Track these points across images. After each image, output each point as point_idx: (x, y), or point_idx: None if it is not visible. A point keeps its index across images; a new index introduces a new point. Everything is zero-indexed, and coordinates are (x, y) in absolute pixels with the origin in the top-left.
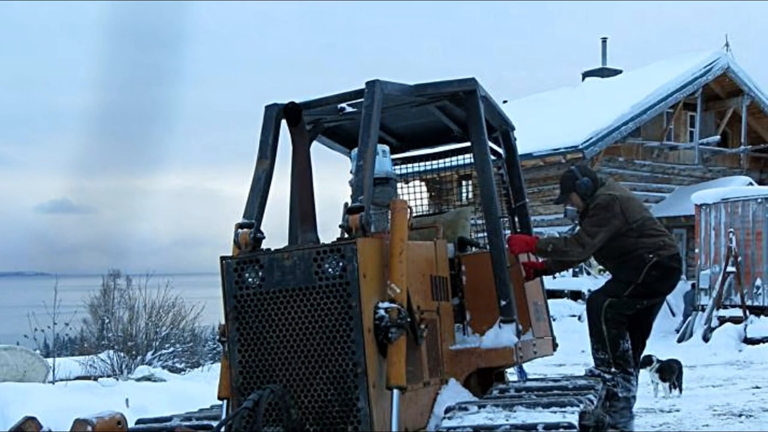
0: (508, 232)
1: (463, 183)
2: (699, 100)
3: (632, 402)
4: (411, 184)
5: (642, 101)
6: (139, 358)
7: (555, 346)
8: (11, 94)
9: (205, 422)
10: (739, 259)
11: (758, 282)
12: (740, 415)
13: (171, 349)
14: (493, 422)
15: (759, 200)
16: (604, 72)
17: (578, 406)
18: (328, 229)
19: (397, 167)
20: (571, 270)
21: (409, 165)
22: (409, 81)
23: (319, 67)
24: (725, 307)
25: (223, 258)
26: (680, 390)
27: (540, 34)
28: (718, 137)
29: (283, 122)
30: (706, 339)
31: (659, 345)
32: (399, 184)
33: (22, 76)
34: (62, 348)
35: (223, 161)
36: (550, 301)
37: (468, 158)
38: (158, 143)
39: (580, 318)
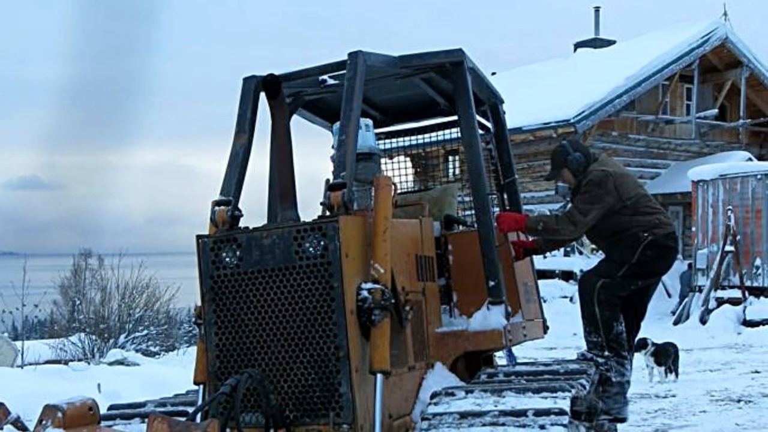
0: (496, 209)
1: (450, 158)
2: (696, 71)
3: (626, 387)
4: (395, 159)
5: (636, 73)
6: (111, 341)
7: (546, 328)
8: None
9: (181, 408)
10: (738, 237)
11: (758, 262)
12: (739, 401)
13: (145, 331)
14: (481, 408)
15: (758, 176)
16: (596, 42)
17: (570, 391)
18: (309, 206)
19: (381, 142)
20: (562, 249)
21: (394, 140)
22: (393, 52)
23: (300, 37)
24: (723, 288)
25: (199, 237)
26: (676, 374)
27: (530, 3)
28: (715, 111)
29: (262, 95)
30: (703, 321)
31: (654, 328)
32: (383, 160)
33: None
34: (31, 331)
35: (199, 136)
36: (540, 282)
37: (455, 133)
38: (132, 117)
39: (571, 299)
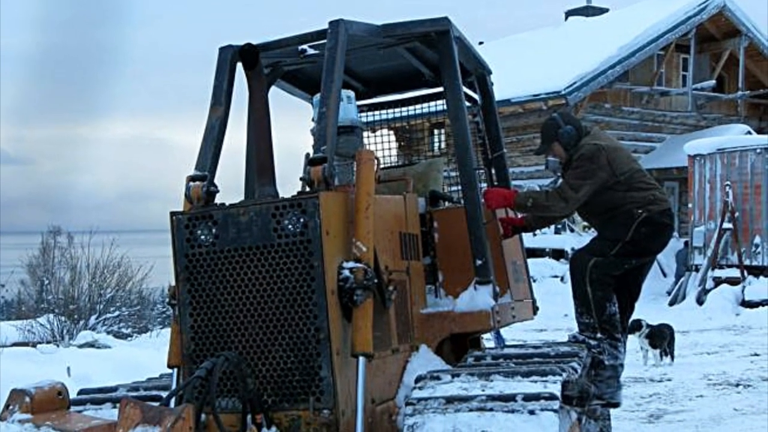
0: (484, 185)
1: (435, 132)
2: (692, 41)
3: (620, 370)
4: (378, 133)
5: (630, 42)
6: (81, 322)
7: (535, 309)
8: None
9: (154, 393)
10: (737, 214)
11: (757, 240)
12: (737, 385)
13: (116, 312)
14: (468, 393)
15: (758, 150)
16: (588, 11)
17: (561, 375)
18: (288, 182)
19: (363, 115)
20: (553, 227)
21: (377, 112)
22: (376, 21)
23: (278, 5)
24: (721, 267)
25: (173, 213)
26: (672, 357)
27: None
28: (713, 82)
29: (239, 65)
30: (700, 302)
31: (649, 308)
32: (365, 133)
33: None
34: None
35: (173, 108)
36: (530, 261)
37: (440, 105)
38: (103, 88)
39: (562, 279)
